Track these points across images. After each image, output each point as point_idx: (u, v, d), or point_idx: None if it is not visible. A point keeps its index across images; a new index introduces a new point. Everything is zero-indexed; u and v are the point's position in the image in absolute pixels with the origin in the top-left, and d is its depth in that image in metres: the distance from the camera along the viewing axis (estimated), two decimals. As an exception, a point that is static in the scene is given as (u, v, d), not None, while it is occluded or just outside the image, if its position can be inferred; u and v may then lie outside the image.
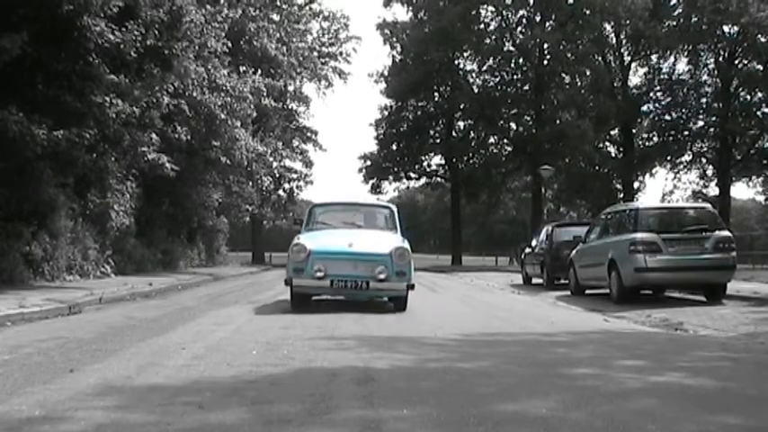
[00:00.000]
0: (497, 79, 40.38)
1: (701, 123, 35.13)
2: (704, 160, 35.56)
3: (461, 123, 44.06)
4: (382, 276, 9.55)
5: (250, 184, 30.48)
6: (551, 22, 37.31)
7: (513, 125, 41.19)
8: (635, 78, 37.77)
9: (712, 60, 34.24)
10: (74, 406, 3.76)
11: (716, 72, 33.95)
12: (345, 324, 7.92)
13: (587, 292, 14.21)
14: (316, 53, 43.10)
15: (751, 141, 33.44)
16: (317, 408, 3.73)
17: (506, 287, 18.13)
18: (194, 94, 19.32)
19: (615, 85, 37.00)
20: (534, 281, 18.97)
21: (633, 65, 37.05)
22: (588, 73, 37.62)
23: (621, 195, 34.91)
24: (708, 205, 13.65)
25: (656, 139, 36.54)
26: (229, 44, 20.87)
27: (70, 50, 12.87)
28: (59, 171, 14.00)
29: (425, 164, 44.93)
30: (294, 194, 44.54)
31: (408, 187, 55.82)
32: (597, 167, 37.86)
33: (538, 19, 37.84)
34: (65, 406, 3.76)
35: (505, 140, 41.61)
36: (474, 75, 41.73)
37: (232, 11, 23.77)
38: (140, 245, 20.61)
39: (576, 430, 3.51)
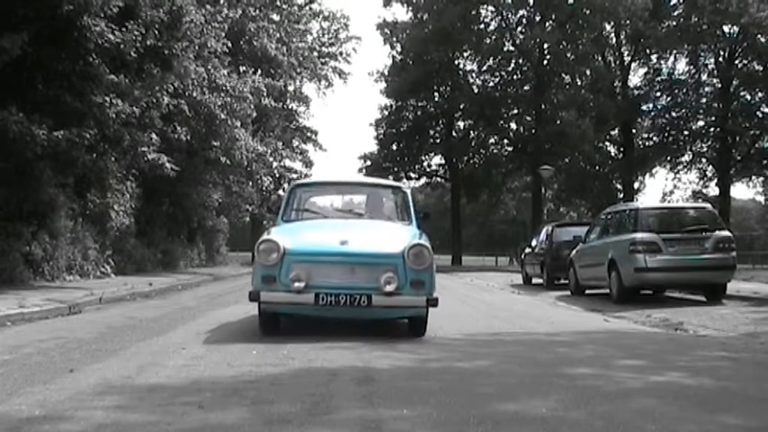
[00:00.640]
0: (497, 79, 40.38)
1: (700, 123, 35.13)
2: (704, 160, 35.57)
3: (461, 123, 44.07)
4: (391, 287, 6.40)
5: (250, 184, 30.48)
6: (551, 22, 37.31)
7: (513, 125, 41.20)
8: (635, 78, 37.81)
9: (712, 60, 34.25)
10: (74, 406, 3.76)
11: (716, 72, 33.95)
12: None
13: (587, 292, 14.20)
14: (316, 53, 43.08)
15: (751, 141, 33.44)
16: (317, 408, 3.73)
17: (506, 287, 18.12)
18: (194, 94, 19.32)
19: (615, 85, 37.01)
20: (534, 281, 18.96)
21: (633, 65, 37.06)
22: (588, 73, 37.63)
23: (621, 195, 34.90)
24: (708, 205, 13.65)
25: (656, 139, 36.54)
26: (229, 44, 20.87)
27: (70, 50, 12.87)
28: (59, 171, 14.00)
29: (425, 164, 44.93)
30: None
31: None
32: (597, 167, 37.85)
33: (538, 19, 37.84)
34: (65, 406, 3.76)
35: (505, 140, 41.62)
36: (474, 75, 41.74)
37: (232, 11, 23.77)
38: (140, 245, 20.61)
39: (576, 430, 3.51)
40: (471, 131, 43.48)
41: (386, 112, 43.90)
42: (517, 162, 40.36)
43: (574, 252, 14.77)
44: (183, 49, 15.61)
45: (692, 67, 34.63)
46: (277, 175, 38.28)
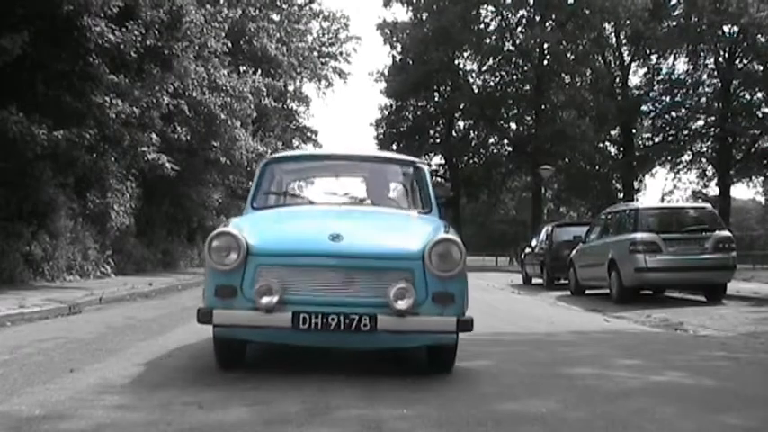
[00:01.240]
0: (497, 79, 40.39)
1: (700, 123, 35.14)
2: (704, 160, 35.57)
3: (461, 123, 44.08)
4: (405, 303, 4.35)
5: (250, 183, 30.44)
6: (551, 22, 37.31)
7: (513, 125, 41.21)
8: (635, 78, 37.80)
9: (712, 60, 34.24)
10: (74, 406, 3.76)
11: (716, 72, 33.95)
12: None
13: (587, 292, 14.21)
14: (316, 53, 43.08)
15: (751, 141, 33.45)
16: (317, 407, 3.73)
17: (506, 287, 18.13)
18: (194, 94, 19.30)
19: (615, 85, 37.01)
20: (534, 281, 18.97)
21: (633, 65, 37.06)
22: (588, 73, 37.65)
23: (621, 195, 34.91)
24: (708, 205, 13.66)
25: (656, 139, 36.54)
26: (229, 44, 20.86)
27: (70, 50, 12.86)
28: (59, 171, 14.00)
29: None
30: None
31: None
32: (597, 167, 37.87)
33: (538, 19, 37.84)
34: (65, 406, 3.76)
35: (505, 140, 41.63)
36: (474, 75, 41.75)
37: (232, 11, 23.78)
38: (140, 245, 20.60)
39: (577, 430, 3.52)
40: (471, 131, 43.48)
41: (386, 112, 43.90)
42: (517, 162, 40.37)
43: (574, 252, 14.78)
44: (183, 49, 15.60)
45: (691, 67, 34.64)
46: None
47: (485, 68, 40.56)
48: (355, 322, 4.30)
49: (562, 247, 16.53)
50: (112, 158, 15.55)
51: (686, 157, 35.89)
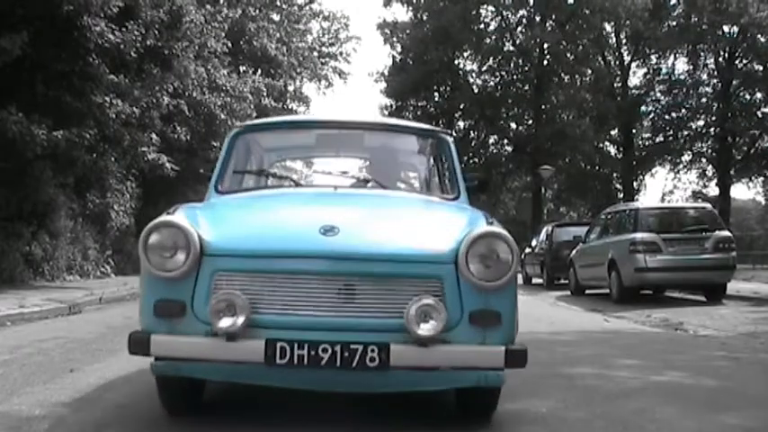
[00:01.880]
0: (497, 79, 40.38)
1: (701, 123, 35.13)
2: (704, 160, 35.57)
3: (461, 123, 44.03)
4: (430, 326, 2.98)
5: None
6: (551, 22, 37.30)
7: (513, 125, 41.21)
8: (635, 78, 37.79)
9: (712, 60, 34.23)
10: (74, 406, 3.77)
11: (716, 72, 33.94)
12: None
13: (587, 292, 14.21)
14: (316, 53, 43.07)
15: (751, 141, 33.45)
16: (317, 406, 3.73)
17: (506, 287, 18.10)
18: (194, 94, 19.31)
19: (615, 85, 37.01)
20: (534, 281, 18.99)
21: (633, 65, 37.05)
22: (588, 73, 37.64)
23: (621, 195, 34.91)
24: (708, 205, 13.68)
25: (656, 139, 36.54)
26: (229, 44, 20.88)
27: (70, 50, 12.87)
28: (59, 171, 14.01)
29: (425, 164, 44.92)
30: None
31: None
32: (597, 167, 37.86)
33: (538, 19, 37.82)
34: (65, 406, 3.76)
35: (505, 140, 41.62)
36: (474, 75, 41.73)
37: (232, 11, 23.78)
38: (140, 245, 20.61)
39: (577, 430, 3.52)
40: (471, 131, 43.46)
41: (386, 113, 43.87)
42: (517, 162, 40.36)
43: (574, 252, 14.78)
44: (183, 49, 15.61)
45: (691, 66, 34.64)
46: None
47: (485, 68, 40.54)
48: (358, 355, 2.93)
49: (562, 247, 16.55)
50: (112, 158, 15.56)
51: (686, 157, 35.89)
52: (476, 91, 40.85)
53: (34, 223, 13.96)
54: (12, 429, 3.29)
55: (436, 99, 42.98)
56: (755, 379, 5.11)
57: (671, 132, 35.68)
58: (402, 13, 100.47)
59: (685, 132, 35.38)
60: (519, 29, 39.19)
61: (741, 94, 33.59)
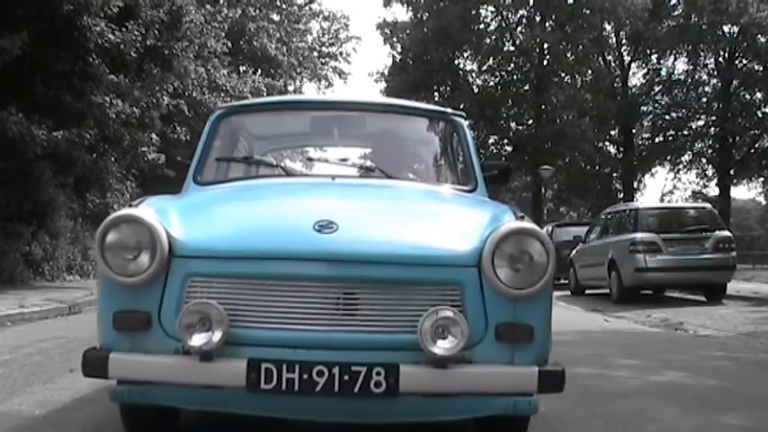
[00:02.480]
0: (497, 79, 40.39)
1: (701, 123, 35.15)
2: (704, 160, 35.58)
3: (461, 123, 44.08)
4: (448, 343, 2.42)
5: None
6: (551, 22, 37.32)
7: (513, 125, 41.23)
8: (635, 78, 37.80)
9: (712, 60, 34.24)
10: (74, 406, 3.76)
11: (716, 72, 33.95)
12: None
13: (587, 292, 14.22)
14: (316, 53, 43.09)
15: (751, 141, 33.46)
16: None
17: (506, 287, 18.11)
18: (194, 94, 19.32)
19: (615, 85, 37.02)
20: (534, 281, 18.99)
21: (633, 65, 37.06)
22: (588, 73, 37.64)
23: (621, 195, 34.92)
24: (708, 205, 13.69)
25: (656, 139, 36.56)
26: (229, 44, 20.89)
27: (70, 50, 12.88)
28: (59, 171, 14.01)
29: (425, 164, 44.94)
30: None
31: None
32: (597, 167, 37.87)
33: (538, 19, 37.84)
34: (65, 406, 3.76)
35: (505, 140, 41.64)
36: (474, 75, 41.75)
37: (232, 11, 23.79)
38: (140, 245, 20.61)
39: (577, 430, 3.52)
40: (471, 131, 43.48)
41: (386, 113, 43.89)
42: (517, 162, 40.39)
43: (574, 252, 14.79)
44: (183, 49, 15.62)
45: (691, 67, 34.65)
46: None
47: (485, 68, 40.55)
48: (360, 379, 2.41)
49: (562, 247, 16.54)
50: (112, 158, 15.57)
51: (686, 157, 35.90)
52: (476, 91, 40.87)
53: (34, 223, 13.96)
54: (12, 429, 3.29)
55: (436, 99, 42.98)
56: (755, 379, 5.11)
57: (671, 132, 35.70)
58: (402, 13, 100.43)
59: (685, 132, 35.40)
60: (519, 29, 39.21)
61: (741, 94, 33.60)
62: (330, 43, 45.79)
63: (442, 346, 2.41)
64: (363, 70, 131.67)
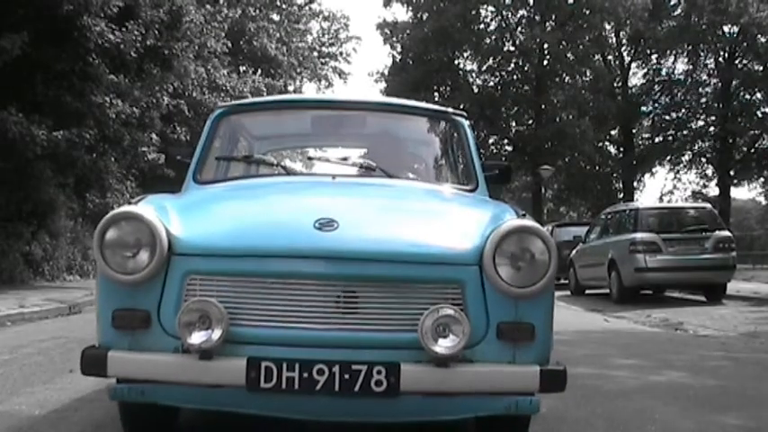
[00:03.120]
0: (497, 79, 40.40)
1: (701, 123, 35.15)
2: (704, 160, 35.59)
3: (461, 123, 44.08)
4: (449, 342, 2.44)
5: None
6: (551, 22, 37.33)
7: (513, 125, 41.25)
8: (635, 78, 37.80)
9: (712, 60, 34.25)
10: (74, 406, 3.76)
11: (716, 72, 33.96)
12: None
13: (587, 292, 14.22)
14: (316, 53, 43.12)
15: (751, 141, 33.47)
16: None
17: (506, 287, 18.13)
18: (194, 95, 19.33)
19: (615, 85, 37.03)
20: (534, 281, 19.00)
21: (633, 65, 37.07)
22: (588, 73, 37.65)
23: (621, 195, 34.93)
24: (708, 205, 13.69)
25: (656, 139, 36.57)
26: (229, 44, 20.91)
27: (70, 50, 12.88)
28: (59, 171, 14.02)
29: (426, 164, 44.95)
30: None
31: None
32: (597, 167, 37.88)
33: (538, 19, 37.86)
34: (65, 406, 3.76)
35: (505, 140, 41.66)
36: (474, 75, 41.77)
37: (232, 11, 23.81)
38: (140, 245, 20.63)
39: (577, 430, 3.52)
40: (472, 131, 43.51)
41: (386, 112, 43.89)
42: (517, 162, 40.40)
43: (574, 252, 14.79)
44: (183, 49, 15.63)
45: (691, 67, 34.66)
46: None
47: (485, 68, 40.56)
48: (361, 378, 2.42)
49: (562, 247, 16.54)
50: (112, 158, 15.57)
51: (686, 157, 35.91)
52: (476, 91, 40.88)
53: (34, 223, 13.96)
54: (12, 429, 3.29)
55: (436, 99, 42.98)
56: (755, 379, 5.11)
57: (671, 132, 35.71)
58: (402, 13, 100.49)
59: (685, 132, 35.42)
60: (519, 29, 39.22)
61: (741, 94, 33.61)
62: (330, 43, 45.80)
63: (443, 345, 2.42)
64: (363, 70, 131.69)
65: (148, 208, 2.68)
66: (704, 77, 34.82)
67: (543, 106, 38.02)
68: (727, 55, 33.29)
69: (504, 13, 39.23)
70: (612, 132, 38.22)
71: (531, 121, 39.32)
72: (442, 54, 39.30)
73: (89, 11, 12.43)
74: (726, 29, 32.40)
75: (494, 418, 2.67)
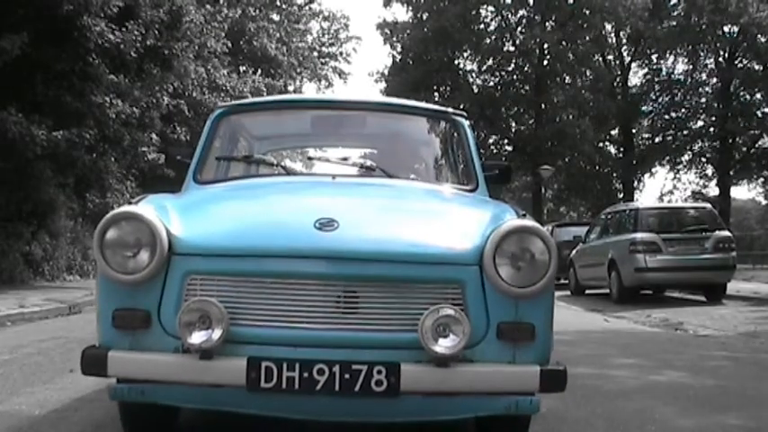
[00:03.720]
0: (497, 79, 40.40)
1: (700, 123, 35.16)
2: (704, 160, 35.60)
3: (461, 123, 44.06)
4: (450, 342, 2.43)
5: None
6: (551, 22, 37.33)
7: (513, 125, 41.25)
8: (635, 78, 37.81)
9: (712, 60, 34.25)
10: (74, 406, 3.76)
11: (716, 72, 33.96)
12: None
13: (587, 292, 14.22)
14: (316, 53, 43.12)
15: (751, 141, 33.48)
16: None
17: (506, 287, 18.13)
18: (194, 95, 19.33)
19: (615, 84, 37.03)
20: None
21: (633, 65, 37.07)
22: (588, 73, 37.65)
23: (621, 195, 34.93)
24: (708, 205, 13.68)
25: (656, 139, 36.58)
26: (229, 44, 20.92)
27: (70, 50, 12.88)
28: (59, 171, 14.03)
29: (426, 164, 44.95)
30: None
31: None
32: (597, 167, 37.88)
33: (538, 19, 37.86)
34: (65, 406, 3.76)
35: (505, 140, 41.66)
36: (474, 75, 41.77)
37: (232, 11, 23.81)
38: (140, 245, 20.63)
39: (577, 430, 3.52)
40: (472, 131, 43.50)
41: (386, 112, 43.85)
42: (517, 162, 40.39)
43: (574, 252, 14.79)
44: (183, 49, 15.63)
45: (691, 67, 34.66)
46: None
47: (485, 68, 40.56)
48: (361, 378, 2.42)
49: (562, 247, 16.55)
50: (112, 158, 15.58)
51: (686, 157, 35.92)
52: (476, 91, 40.88)
53: (34, 223, 13.97)
54: (12, 429, 3.29)
55: (436, 99, 42.96)
56: (755, 379, 5.11)
57: (671, 132, 35.72)
58: (402, 13, 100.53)
59: (685, 132, 35.42)
60: (519, 29, 39.21)
61: (741, 94, 33.62)
62: (330, 43, 45.80)
63: (443, 345, 2.42)
64: (363, 70, 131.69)
65: (149, 208, 2.68)
66: (704, 77, 34.83)
67: (543, 106, 38.02)
68: (726, 55, 33.29)
69: (503, 13, 39.22)
70: (612, 132, 38.22)
71: (531, 121, 39.31)
72: (442, 54, 39.29)
73: (89, 11, 12.44)
74: (726, 29, 32.41)
75: (494, 418, 2.68)
